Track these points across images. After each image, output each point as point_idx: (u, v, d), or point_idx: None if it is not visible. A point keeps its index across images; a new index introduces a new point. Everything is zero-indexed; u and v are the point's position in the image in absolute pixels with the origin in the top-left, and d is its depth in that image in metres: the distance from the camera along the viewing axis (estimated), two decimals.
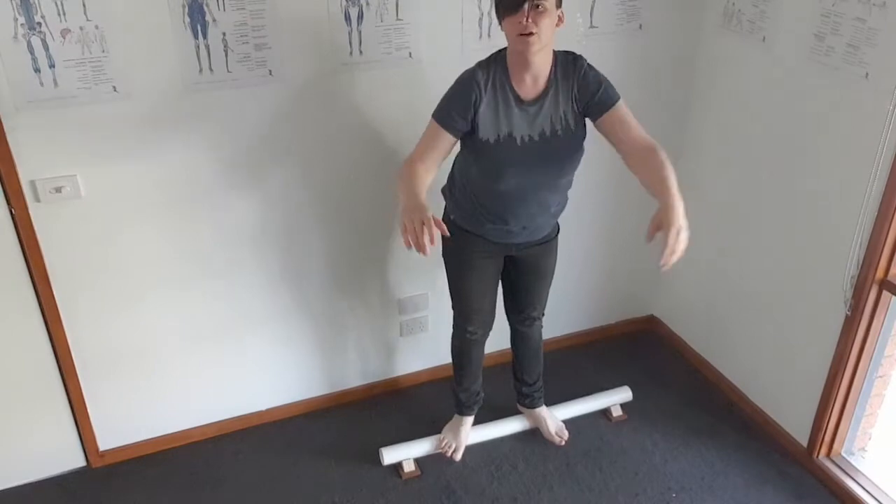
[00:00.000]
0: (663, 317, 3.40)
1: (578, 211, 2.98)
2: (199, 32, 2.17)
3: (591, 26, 2.64)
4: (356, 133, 2.51)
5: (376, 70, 2.41)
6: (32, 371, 2.46)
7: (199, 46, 2.18)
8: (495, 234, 2.26)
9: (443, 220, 2.19)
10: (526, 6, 1.85)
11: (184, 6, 2.12)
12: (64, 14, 2.02)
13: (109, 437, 2.68)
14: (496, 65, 2.02)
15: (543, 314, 2.65)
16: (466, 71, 2.03)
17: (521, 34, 1.87)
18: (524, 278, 2.49)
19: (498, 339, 2.66)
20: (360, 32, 2.34)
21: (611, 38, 2.69)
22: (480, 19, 2.47)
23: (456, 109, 2.02)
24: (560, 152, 2.08)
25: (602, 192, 3.00)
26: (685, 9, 2.75)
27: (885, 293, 2.37)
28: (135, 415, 2.68)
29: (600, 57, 2.70)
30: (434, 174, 2.05)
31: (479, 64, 2.03)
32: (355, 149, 2.54)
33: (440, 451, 2.70)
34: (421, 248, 1.77)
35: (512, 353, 2.75)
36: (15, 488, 2.60)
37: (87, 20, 2.04)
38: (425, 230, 1.76)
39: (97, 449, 2.67)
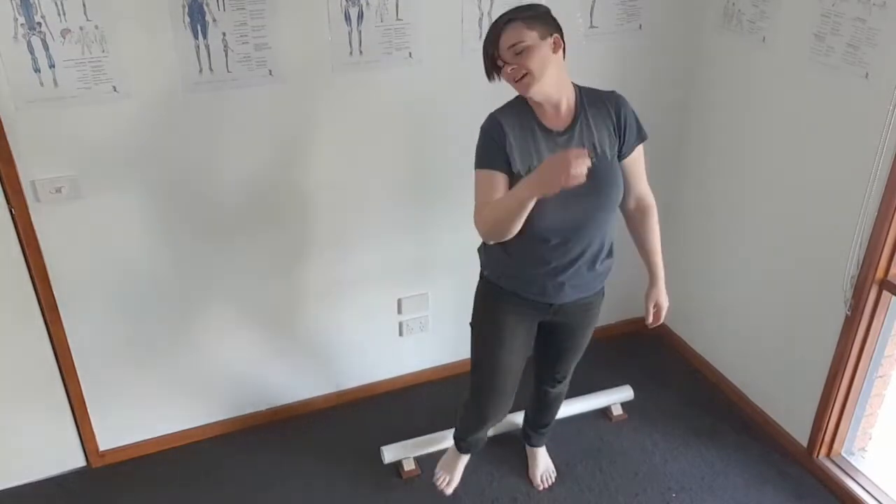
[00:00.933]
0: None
1: None
2: (199, 32, 2.17)
3: (591, 26, 2.64)
4: (356, 132, 2.51)
5: (376, 70, 2.41)
6: (32, 371, 2.46)
7: (199, 46, 2.18)
8: (539, 289, 2.05)
9: (479, 278, 2.17)
10: (508, 56, 1.79)
11: (184, 6, 2.12)
12: (64, 14, 2.02)
13: (109, 437, 2.68)
14: (517, 104, 1.94)
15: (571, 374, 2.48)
16: (486, 118, 1.95)
17: (516, 80, 1.83)
18: (557, 347, 2.31)
19: None
20: (360, 32, 2.34)
21: (611, 38, 2.69)
22: (480, 19, 2.47)
23: (494, 151, 1.91)
24: (597, 182, 1.90)
25: None
26: (685, 9, 2.75)
27: (885, 293, 2.37)
28: (135, 415, 2.68)
29: (600, 57, 2.71)
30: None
31: (497, 109, 1.96)
32: (355, 148, 2.54)
33: (436, 484, 2.61)
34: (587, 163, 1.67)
35: (529, 400, 2.59)
36: (15, 488, 2.60)
37: (87, 20, 2.04)
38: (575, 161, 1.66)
39: (97, 449, 2.67)
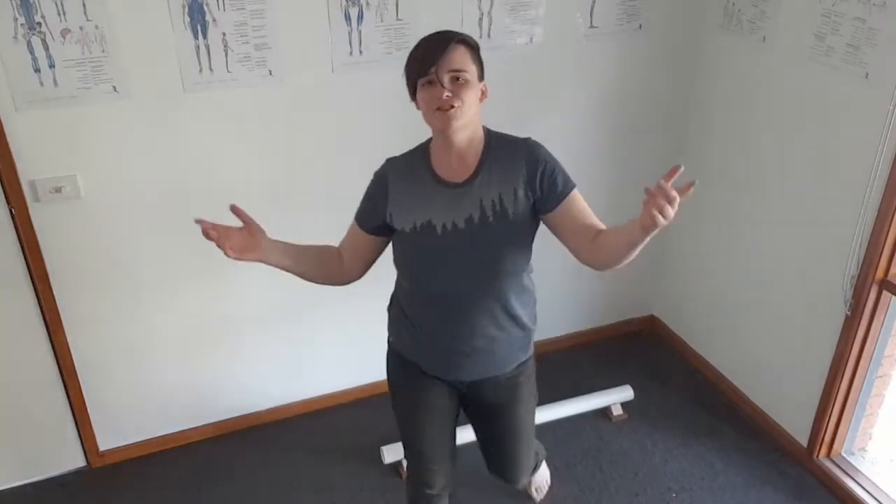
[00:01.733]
0: (663, 317, 3.40)
1: None
2: (199, 32, 2.17)
3: (591, 26, 2.64)
4: (356, 132, 2.51)
5: (376, 70, 2.41)
6: (32, 371, 2.46)
7: (198, 46, 2.18)
8: (437, 364, 1.87)
9: (387, 345, 2.01)
10: (445, 78, 1.58)
11: (184, 6, 2.12)
12: (64, 14, 2.02)
13: (109, 437, 2.68)
14: (415, 152, 1.77)
15: (536, 466, 2.38)
16: (383, 163, 1.81)
17: (440, 108, 1.60)
18: (492, 432, 2.07)
19: None
20: (360, 32, 2.34)
21: (611, 38, 2.69)
22: (480, 19, 2.47)
23: (367, 205, 1.80)
24: (492, 243, 1.70)
25: (600, 191, 3.00)
26: (685, 9, 2.75)
27: (885, 293, 2.37)
28: (135, 415, 2.68)
29: (600, 57, 2.71)
30: (353, 271, 1.88)
31: (394, 157, 1.81)
32: (356, 147, 2.53)
33: None
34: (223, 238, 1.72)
35: None
36: (15, 488, 2.60)
37: (87, 20, 2.04)
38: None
39: (97, 449, 2.67)
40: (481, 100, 1.67)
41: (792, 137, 2.52)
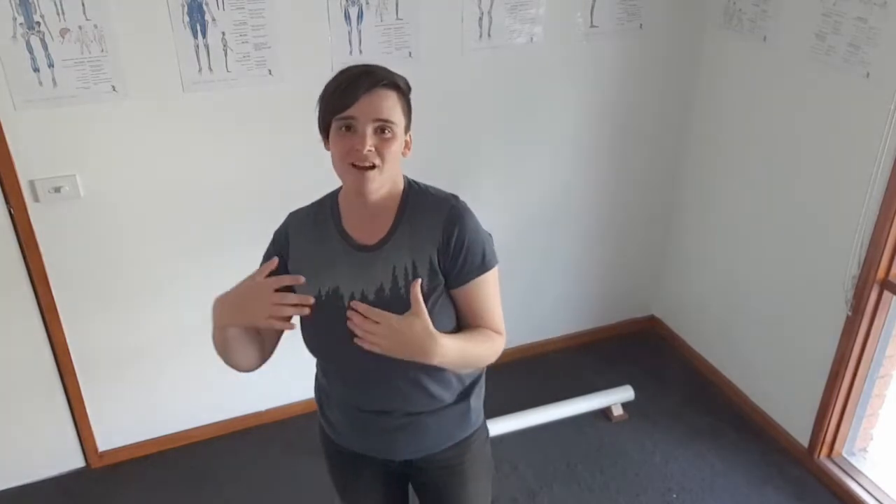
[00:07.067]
0: (663, 317, 3.39)
1: (578, 211, 2.98)
2: (199, 32, 2.16)
3: (592, 26, 2.63)
4: None
5: None
6: (31, 371, 2.46)
7: (198, 46, 2.18)
8: (362, 443, 1.59)
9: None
10: (369, 128, 1.34)
11: (183, 5, 2.12)
12: (63, 13, 2.01)
13: (108, 437, 2.68)
14: (323, 204, 1.54)
15: None
16: (286, 217, 1.59)
17: (356, 165, 1.36)
18: None
19: None
20: (359, 32, 2.34)
21: (611, 37, 2.68)
22: (480, 19, 2.46)
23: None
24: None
25: (601, 192, 3.00)
26: (686, 8, 2.74)
27: (886, 293, 2.36)
28: (134, 415, 2.68)
29: (600, 57, 2.71)
30: (270, 348, 1.64)
31: (300, 209, 1.58)
32: None
33: None
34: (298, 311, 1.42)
35: None
36: (15, 488, 2.60)
37: (86, 19, 2.04)
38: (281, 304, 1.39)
39: (96, 449, 2.67)
40: (404, 154, 1.44)
41: (793, 137, 2.51)
